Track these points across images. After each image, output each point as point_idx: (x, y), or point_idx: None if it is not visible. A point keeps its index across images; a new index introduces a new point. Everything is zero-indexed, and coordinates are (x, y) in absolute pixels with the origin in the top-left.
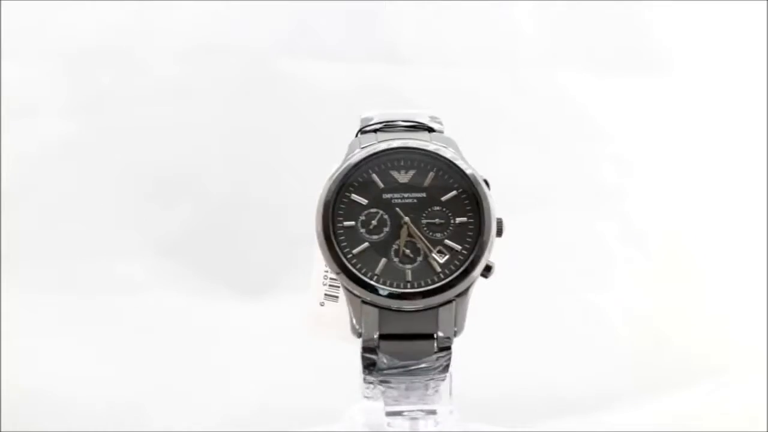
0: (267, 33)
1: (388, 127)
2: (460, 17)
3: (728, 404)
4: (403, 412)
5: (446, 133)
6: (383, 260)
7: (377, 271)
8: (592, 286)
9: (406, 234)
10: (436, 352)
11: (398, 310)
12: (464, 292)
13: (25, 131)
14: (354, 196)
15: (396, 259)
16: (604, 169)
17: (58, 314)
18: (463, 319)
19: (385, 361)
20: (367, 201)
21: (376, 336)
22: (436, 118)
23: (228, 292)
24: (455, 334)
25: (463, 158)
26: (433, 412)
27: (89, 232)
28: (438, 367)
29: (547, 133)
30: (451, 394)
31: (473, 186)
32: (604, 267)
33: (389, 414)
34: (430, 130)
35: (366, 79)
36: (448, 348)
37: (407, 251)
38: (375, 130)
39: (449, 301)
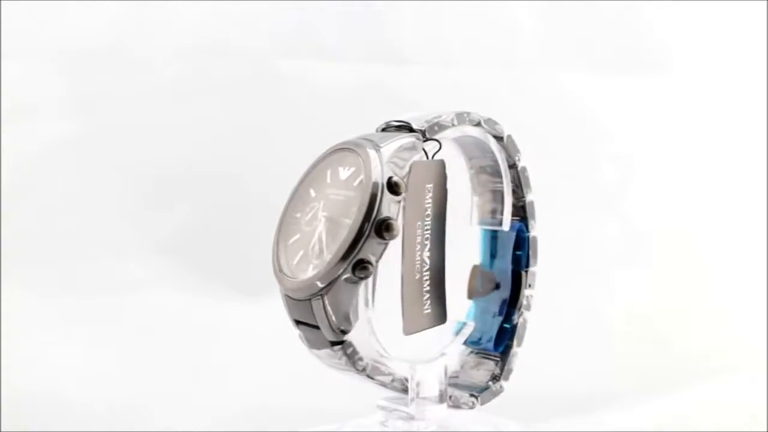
0: (267, 33)
1: (389, 127)
2: (460, 17)
3: (728, 404)
4: (391, 410)
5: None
6: (301, 252)
7: (294, 261)
8: (592, 287)
9: (320, 230)
10: (331, 346)
11: (290, 298)
12: (328, 288)
13: (25, 131)
14: (311, 190)
15: (310, 253)
16: (605, 169)
17: (59, 315)
18: (339, 315)
19: (306, 345)
20: (315, 194)
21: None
22: (434, 120)
23: (228, 292)
24: (340, 331)
25: (380, 162)
26: (408, 417)
27: (89, 232)
28: (340, 361)
29: (547, 133)
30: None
31: (374, 188)
32: (604, 267)
33: (377, 407)
34: (411, 129)
35: (366, 79)
36: (338, 343)
37: (316, 247)
38: (382, 130)
39: (319, 295)
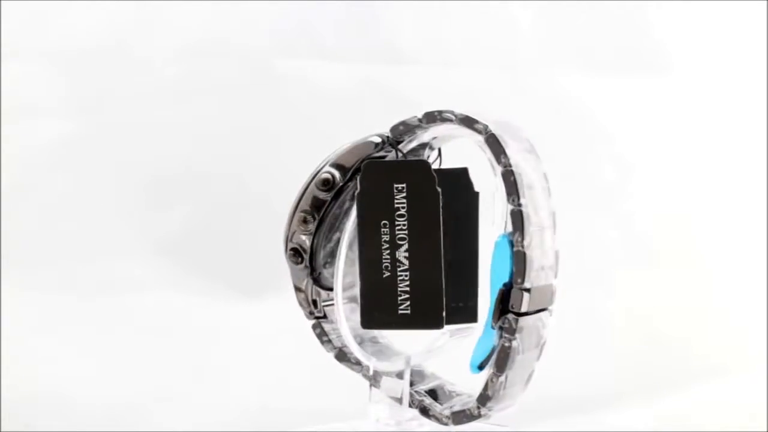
0: (267, 33)
1: None
2: (460, 17)
3: (728, 404)
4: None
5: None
6: None
7: None
8: (592, 286)
9: None
10: None
11: None
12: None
13: (25, 131)
14: None
15: None
16: (605, 169)
17: (59, 315)
18: (297, 296)
19: None
20: None
21: None
22: (402, 120)
23: (228, 292)
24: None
25: (327, 160)
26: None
27: (89, 232)
28: None
29: (547, 133)
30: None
31: (307, 183)
32: (604, 267)
33: None
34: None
35: (366, 79)
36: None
37: None
38: None
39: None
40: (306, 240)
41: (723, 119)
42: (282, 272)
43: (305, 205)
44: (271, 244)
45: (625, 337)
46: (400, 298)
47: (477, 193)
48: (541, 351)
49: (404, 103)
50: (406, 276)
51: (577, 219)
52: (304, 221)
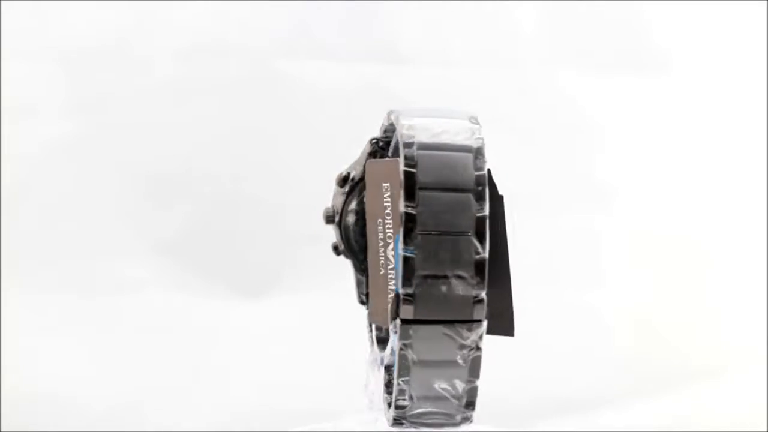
0: (267, 33)
1: None
2: (460, 17)
3: (728, 404)
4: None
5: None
6: None
7: None
8: (591, 287)
9: None
10: None
11: None
12: None
13: (25, 131)
14: None
15: None
16: (603, 168)
17: (59, 314)
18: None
19: None
20: None
21: None
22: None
23: (228, 292)
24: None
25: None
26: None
27: (89, 232)
28: None
29: (546, 132)
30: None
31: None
32: (603, 267)
33: None
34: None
35: (366, 79)
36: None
37: None
38: None
39: None
40: (337, 233)
41: (723, 119)
42: (282, 272)
43: (333, 202)
44: (271, 244)
45: (625, 337)
46: (389, 296)
47: (501, 197)
48: (473, 367)
49: (404, 103)
50: (393, 274)
51: (576, 218)
52: (330, 217)
